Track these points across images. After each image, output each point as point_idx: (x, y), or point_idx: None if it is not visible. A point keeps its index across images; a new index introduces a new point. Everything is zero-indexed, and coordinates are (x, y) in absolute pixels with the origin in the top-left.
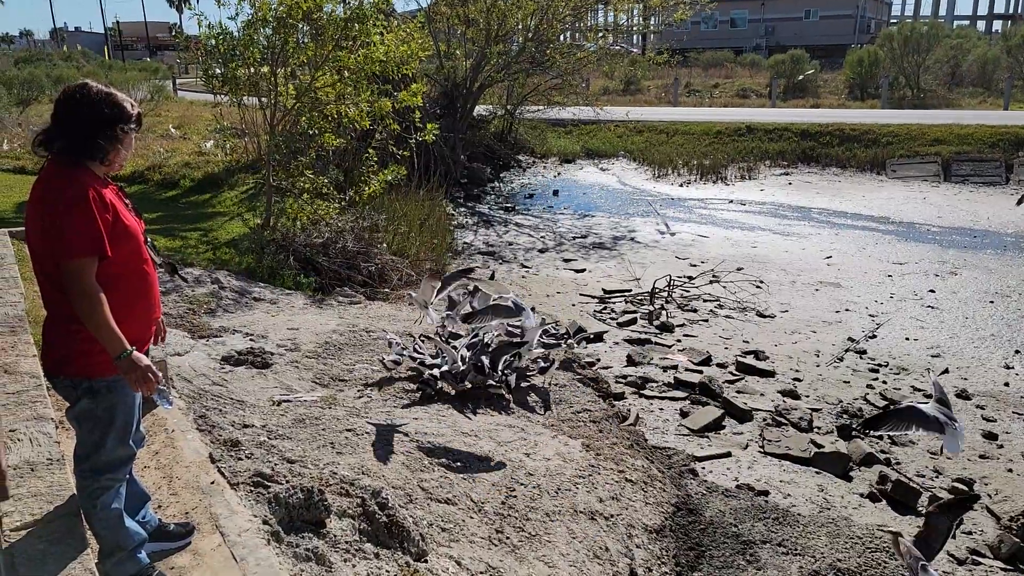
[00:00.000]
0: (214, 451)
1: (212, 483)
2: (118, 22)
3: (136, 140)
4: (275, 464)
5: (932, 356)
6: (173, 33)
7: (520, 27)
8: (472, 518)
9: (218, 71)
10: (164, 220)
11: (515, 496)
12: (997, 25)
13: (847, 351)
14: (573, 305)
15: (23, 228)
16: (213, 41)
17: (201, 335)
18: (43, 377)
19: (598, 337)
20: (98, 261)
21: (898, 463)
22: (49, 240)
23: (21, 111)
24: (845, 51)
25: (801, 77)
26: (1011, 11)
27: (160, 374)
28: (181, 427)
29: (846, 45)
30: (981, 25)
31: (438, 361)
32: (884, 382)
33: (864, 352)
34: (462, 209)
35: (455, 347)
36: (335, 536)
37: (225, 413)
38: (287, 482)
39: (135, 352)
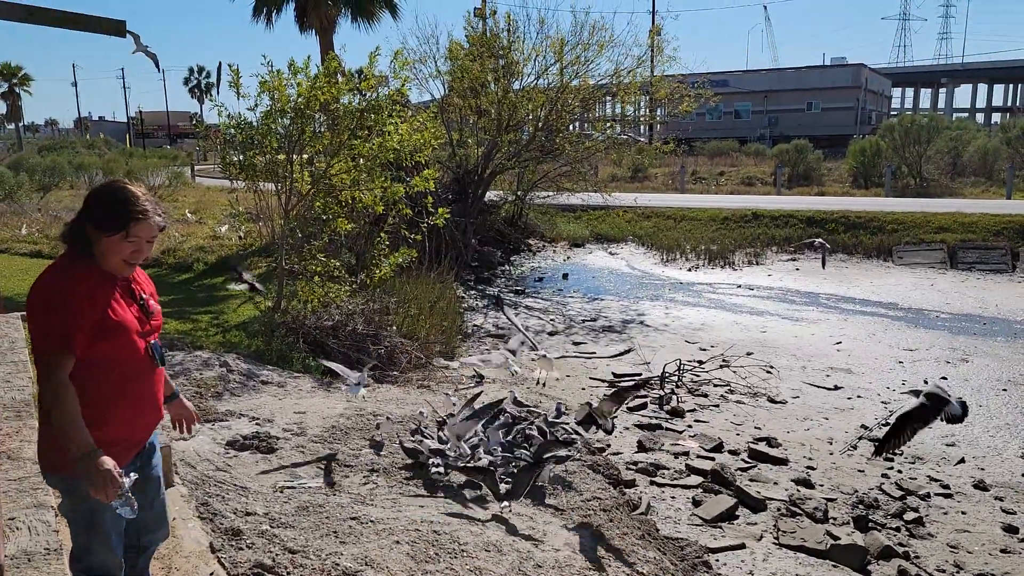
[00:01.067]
0: (215, 540)
1: (211, 574)
2: (140, 111)
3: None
4: (276, 554)
5: (947, 445)
6: (194, 122)
7: (530, 117)
8: None
9: (236, 158)
10: (176, 303)
11: None
12: (996, 117)
13: (860, 439)
14: (583, 389)
15: None
16: (232, 131)
17: (207, 419)
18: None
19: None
20: (71, 356)
21: (917, 556)
22: (30, 330)
23: (41, 197)
24: (847, 141)
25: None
26: (1008, 103)
27: (122, 481)
28: (182, 515)
29: (848, 135)
30: (980, 117)
31: (448, 448)
32: (899, 471)
33: (878, 440)
34: (472, 292)
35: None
36: None
37: (228, 500)
38: (288, 574)
39: (98, 453)
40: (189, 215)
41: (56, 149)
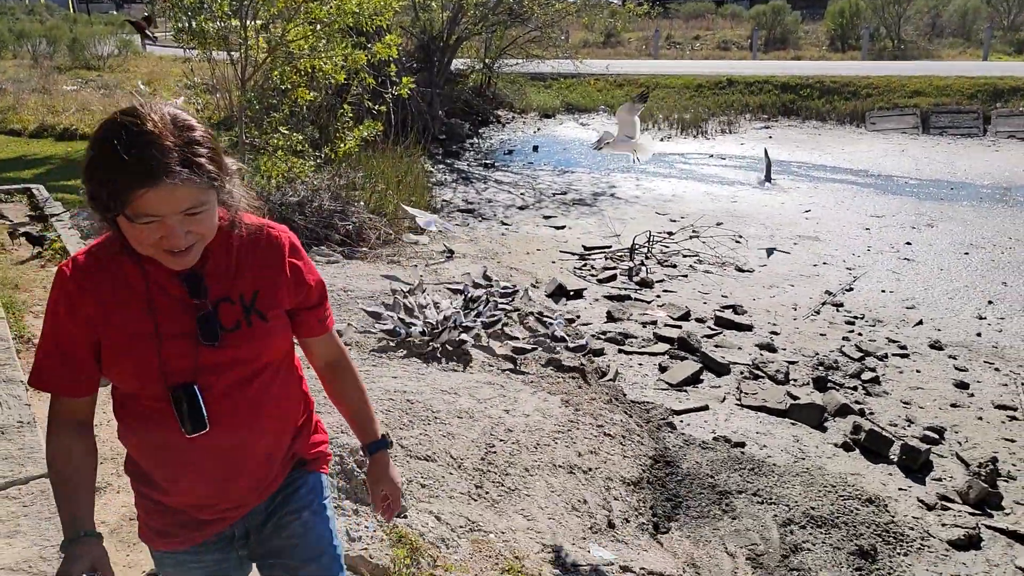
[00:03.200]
0: None
1: None
2: None
3: (106, 98)
4: None
5: (907, 308)
6: None
7: None
8: (452, 474)
9: (187, 24)
10: None
11: (495, 452)
12: None
13: (824, 304)
14: (553, 262)
15: None
16: None
17: None
18: (11, 340)
19: (578, 294)
20: (57, 395)
21: (872, 413)
22: None
23: None
24: (826, 2)
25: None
26: None
27: None
28: None
29: None
30: None
31: (416, 319)
32: (860, 334)
33: (841, 305)
34: (441, 166)
35: (437, 303)
36: None
37: None
38: None
39: (78, 544)
40: (142, 86)
41: None
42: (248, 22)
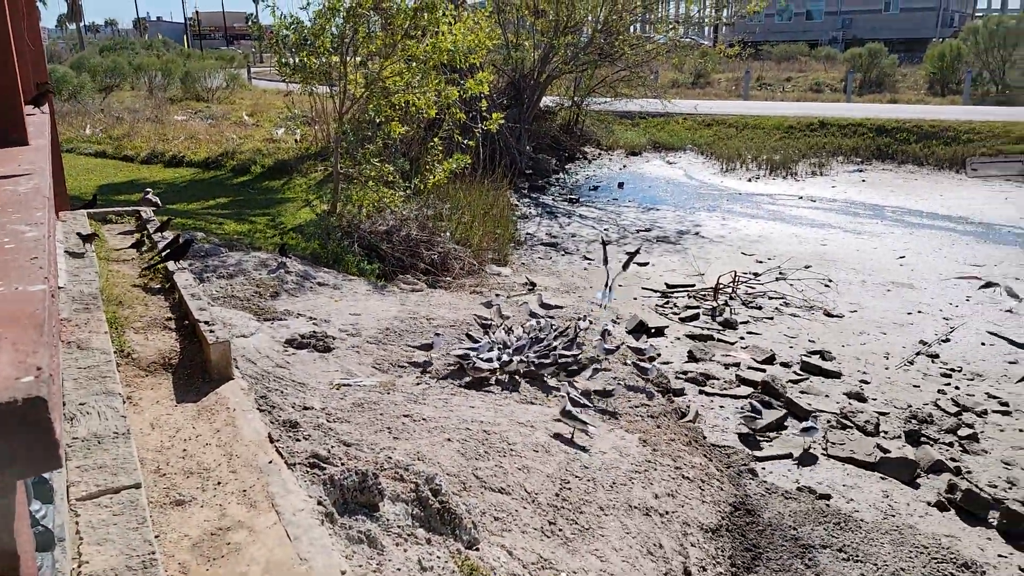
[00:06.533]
0: (273, 431)
1: (270, 462)
2: (197, 12)
3: (212, 127)
4: (332, 446)
5: (1009, 362)
6: (249, 23)
7: (589, 18)
8: (525, 508)
9: (291, 60)
10: (235, 205)
11: (569, 488)
12: None
13: (918, 354)
14: (635, 299)
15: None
16: (286, 31)
17: (266, 318)
18: (113, 353)
19: (659, 332)
20: None
21: (969, 472)
22: None
23: (103, 97)
24: (926, 45)
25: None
26: None
27: None
28: (243, 406)
29: (927, 39)
30: None
31: (494, 353)
32: (957, 387)
33: (936, 356)
34: (526, 200)
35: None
36: (388, 520)
37: (286, 395)
38: (343, 464)
39: None
40: (246, 118)
41: (116, 49)
42: (348, 58)
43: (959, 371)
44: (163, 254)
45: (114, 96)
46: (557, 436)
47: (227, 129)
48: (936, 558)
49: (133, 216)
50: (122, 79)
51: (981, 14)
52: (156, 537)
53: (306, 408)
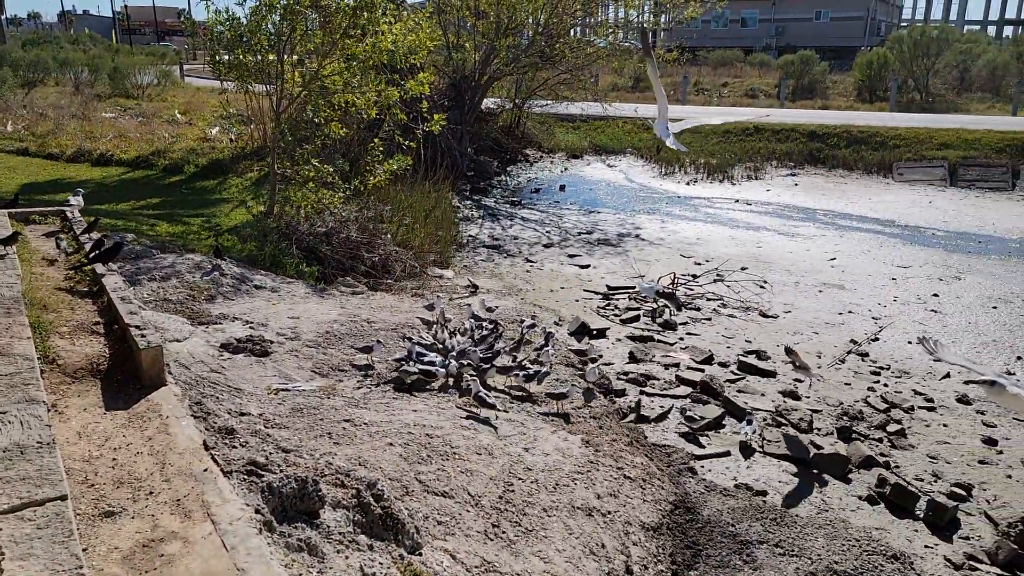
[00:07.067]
0: (208, 438)
1: (205, 470)
2: (126, 6)
3: (143, 126)
4: (270, 453)
5: (934, 360)
6: (181, 18)
7: (530, 21)
8: (468, 511)
9: (225, 57)
10: (168, 205)
11: (512, 490)
12: (1008, 30)
13: (849, 353)
14: (577, 301)
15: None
16: (220, 27)
17: (200, 322)
18: (36, 359)
19: (600, 333)
20: None
21: (897, 466)
22: None
23: (26, 93)
24: (855, 53)
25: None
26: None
27: None
28: (176, 413)
29: (856, 47)
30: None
31: (436, 356)
32: (886, 385)
33: (866, 355)
34: (468, 202)
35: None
36: (329, 527)
37: (221, 401)
38: (281, 471)
39: None
40: (179, 116)
41: (39, 44)
42: (285, 56)
43: (887, 369)
44: (91, 256)
45: (37, 92)
46: (469, 416)
47: (159, 127)
48: (867, 550)
49: (58, 216)
50: (46, 74)
51: (906, 23)
52: (84, 551)
53: (243, 414)
